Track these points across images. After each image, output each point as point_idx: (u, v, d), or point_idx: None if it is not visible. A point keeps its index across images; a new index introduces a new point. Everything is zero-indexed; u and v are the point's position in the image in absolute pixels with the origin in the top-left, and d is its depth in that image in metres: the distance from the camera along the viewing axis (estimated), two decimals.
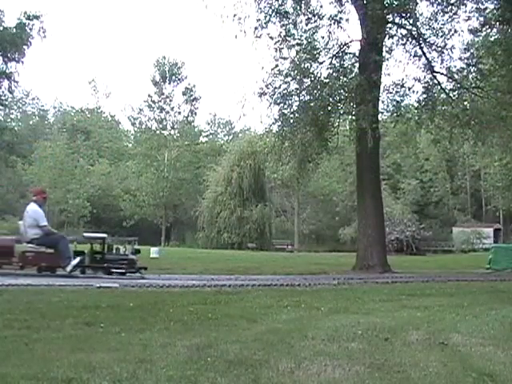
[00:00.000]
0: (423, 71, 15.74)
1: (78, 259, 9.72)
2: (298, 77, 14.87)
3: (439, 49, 15.38)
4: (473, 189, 48.64)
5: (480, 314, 5.90)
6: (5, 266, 9.56)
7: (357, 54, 15.32)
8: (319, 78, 14.91)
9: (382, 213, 15.94)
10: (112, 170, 54.44)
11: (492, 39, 16.75)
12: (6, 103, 33.87)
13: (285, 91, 15.18)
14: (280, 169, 31.35)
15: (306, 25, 15.16)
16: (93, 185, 50.12)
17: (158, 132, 50.17)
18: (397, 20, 15.30)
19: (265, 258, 21.06)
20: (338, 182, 45.83)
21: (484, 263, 15.78)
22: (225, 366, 3.52)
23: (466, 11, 15.63)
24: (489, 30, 16.66)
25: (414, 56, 15.58)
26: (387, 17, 14.66)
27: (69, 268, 9.57)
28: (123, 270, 10.12)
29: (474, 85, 16.17)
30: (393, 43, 15.67)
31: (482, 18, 16.04)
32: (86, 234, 11.17)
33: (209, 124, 68.66)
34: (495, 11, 15.72)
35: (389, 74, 16.59)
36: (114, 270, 10.06)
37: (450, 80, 16.26)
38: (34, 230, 9.74)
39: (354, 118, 15.29)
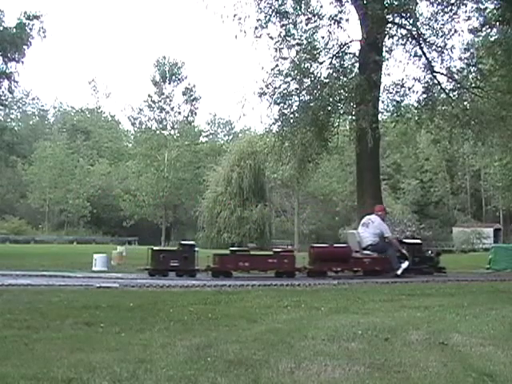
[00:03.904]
0: (423, 71, 15.74)
1: (406, 263, 11.10)
2: (298, 77, 14.86)
3: (439, 49, 15.37)
4: (473, 189, 48.64)
5: (480, 314, 5.89)
6: (345, 271, 11.03)
7: (357, 54, 15.31)
8: (319, 78, 14.90)
9: None
10: (112, 170, 54.44)
11: (492, 39, 16.73)
12: (6, 103, 33.86)
13: (285, 91, 15.17)
14: (280, 169, 31.32)
15: (306, 25, 15.16)
16: (93, 185, 50.14)
17: (157, 132, 50.14)
18: (397, 20, 15.29)
19: None
20: (338, 182, 45.81)
21: (484, 263, 15.73)
22: (225, 366, 3.52)
23: (466, 11, 15.65)
24: (489, 30, 16.67)
25: (414, 56, 15.58)
26: (387, 17, 14.64)
27: (399, 271, 10.97)
28: (431, 270, 11.62)
29: (474, 85, 16.15)
30: (393, 43, 15.68)
31: (481, 18, 16.05)
32: (405, 240, 12.70)
33: (209, 124, 68.84)
34: (495, 11, 15.73)
35: (389, 74, 16.51)
36: (425, 270, 11.50)
37: (450, 80, 16.24)
38: (374, 238, 11.18)
39: (354, 117, 15.27)
